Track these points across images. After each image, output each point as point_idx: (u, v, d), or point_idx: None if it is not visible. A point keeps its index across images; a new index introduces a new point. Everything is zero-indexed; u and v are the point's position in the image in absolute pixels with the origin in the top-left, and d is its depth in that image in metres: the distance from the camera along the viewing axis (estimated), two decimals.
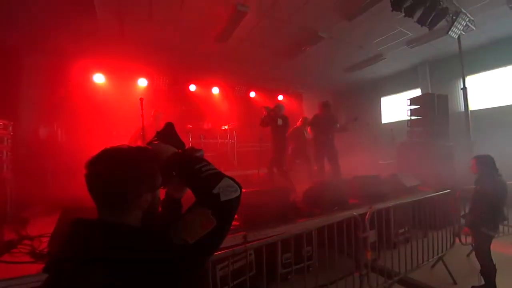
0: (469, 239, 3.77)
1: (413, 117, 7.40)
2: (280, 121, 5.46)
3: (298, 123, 6.76)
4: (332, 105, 6.01)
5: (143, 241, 0.84)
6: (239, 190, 0.98)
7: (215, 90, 9.30)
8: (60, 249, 0.85)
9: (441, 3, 5.32)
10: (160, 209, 1.13)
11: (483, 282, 3.05)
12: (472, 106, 7.42)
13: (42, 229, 2.83)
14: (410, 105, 7.45)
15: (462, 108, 7.03)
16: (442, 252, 3.59)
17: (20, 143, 4.95)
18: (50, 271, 0.82)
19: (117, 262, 0.77)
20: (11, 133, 3.91)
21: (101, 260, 0.77)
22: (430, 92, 8.33)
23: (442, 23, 5.61)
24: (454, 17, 5.65)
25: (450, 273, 3.44)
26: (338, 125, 5.96)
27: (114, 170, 0.91)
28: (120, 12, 5.27)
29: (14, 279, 1.96)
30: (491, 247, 3.09)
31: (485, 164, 3.21)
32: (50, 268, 0.82)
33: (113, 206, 0.92)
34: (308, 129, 6.04)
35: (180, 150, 1.13)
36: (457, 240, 3.82)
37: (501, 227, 3.53)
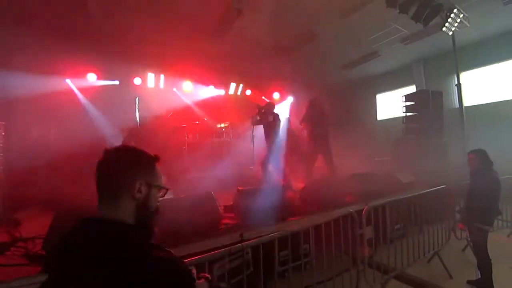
0: (464, 234, 3.81)
1: (408, 114, 7.45)
2: (271, 118, 5.48)
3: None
4: (319, 100, 5.99)
5: (134, 239, 0.87)
6: None
7: (211, 88, 9.26)
8: (59, 247, 0.87)
9: None
10: None
11: (479, 276, 3.08)
12: (466, 102, 7.49)
13: (36, 230, 2.79)
14: (405, 101, 7.49)
15: (457, 104, 7.09)
16: (438, 247, 3.62)
17: (12, 143, 4.87)
18: (50, 269, 0.85)
19: (113, 258, 0.79)
20: (3, 133, 3.85)
21: (99, 257, 0.79)
22: (425, 88, 8.39)
23: (437, 19, 5.64)
24: (448, 14, 5.69)
25: (446, 268, 3.47)
26: (329, 120, 5.94)
27: (111, 158, 0.99)
28: (113, 10, 5.20)
29: (9, 282, 1.93)
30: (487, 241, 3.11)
31: (480, 159, 3.22)
32: (50, 267, 0.86)
33: (107, 194, 0.94)
34: (302, 126, 6.04)
35: None
36: (452, 235, 3.86)
37: (495, 222, 3.57)
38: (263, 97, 10.07)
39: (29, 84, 6.25)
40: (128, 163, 0.98)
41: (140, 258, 0.82)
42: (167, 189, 1.05)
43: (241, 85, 9.77)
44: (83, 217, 0.90)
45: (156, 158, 1.05)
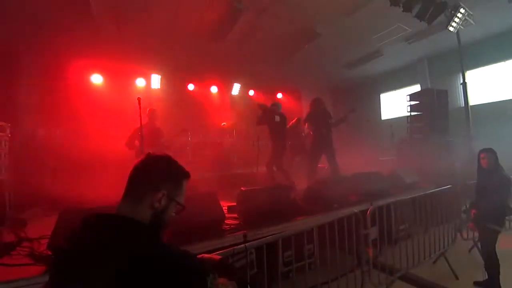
0: (471, 234, 3.76)
1: (412, 113, 7.38)
2: (277, 118, 5.44)
3: (291, 123, 6.67)
4: (323, 100, 5.93)
5: (150, 237, 0.91)
6: None
7: (214, 89, 9.28)
8: (70, 242, 0.88)
9: None
10: None
11: (486, 277, 3.04)
12: (471, 101, 7.40)
13: (41, 231, 2.81)
14: (409, 101, 7.43)
15: (462, 103, 7.02)
16: (443, 247, 3.58)
17: (18, 144, 4.93)
18: (58, 262, 0.87)
19: (124, 253, 0.80)
20: (9, 135, 3.88)
21: (109, 251, 0.80)
22: (429, 87, 8.31)
23: (441, 17, 5.58)
24: (452, 12, 5.63)
25: (452, 269, 3.43)
26: (332, 120, 5.87)
27: (146, 163, 1.05)
28: (116, 11, 5.24)
29: (14, 281, 1.95)
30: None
31: (493, 157, 3.18)
32: (58, 259, 0.88)
33: (131, 195, 0.99)
34: (305, 126, 6.00)
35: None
36: (458, 235, 3.81)
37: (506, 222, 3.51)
38: (266, 98, 10.06)
39: (35, 85, 6.32)
40: (158, 172, 1.03)
41: (158, 254, 0.85)
42: (183, 208, 1.08)
43: (244, 86, 9.77)
44: (98, 213, 0.92)
45: (187, 174, 1.10)
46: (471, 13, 5.87)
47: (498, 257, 2.99)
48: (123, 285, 0.77)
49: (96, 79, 7.31)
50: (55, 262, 0.91)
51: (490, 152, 3.19)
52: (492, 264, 2.98)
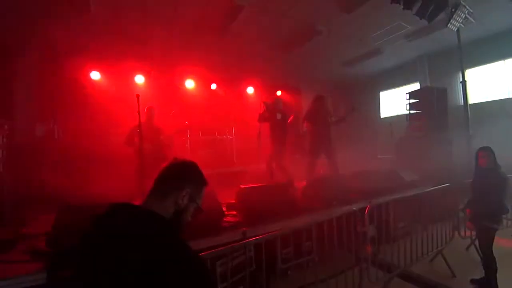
0: (468, 233, 3.78)
1: (412, 111, 7.39)
2: (279, 116, 5.44)
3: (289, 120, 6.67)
4: (325, 98, 5.91)
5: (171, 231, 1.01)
6: None
7: (213, 86, 9.25)
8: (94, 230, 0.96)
9: None
10: None
11: (483, 275, 3.06)
12: (471, 100, 7.40)
13: (40, 228, 2.82)
14: (409, 99, 7.43)
15: (462, 102, 7.01)
16: (441, 245, 3.60)
17: (16, 141, 4.90)
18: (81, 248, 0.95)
19: (147, 244, 0.86)
20: (7, 132, 3.87)
21: (133, 240, 0.86)
22: (429, 85, 8.30)
23: (441, 15, 5.56)
24: (453, 10, 5.60)
25: (449, 266, 3.46)
26: (332, 118, 5.85)
27: (176, 163, 1.19)
28: (114, 6, 5.20)
29: (13, 278, 1.95)
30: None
31: (492, 156, 3.19)
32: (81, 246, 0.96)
33: (158, 190, 1.11)
34: (305, 124, 5.99)
35: None
36: (456, 233, 3.84)
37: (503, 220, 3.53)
38: (266, 95, 10.03)
39: (33, 82, 6.28)
40: (185, 172, 1.18)
41: (178, 250, 0.92)
42: (201, 211, 1.21)
43: (243, 83, 9.75)
44: (126, 203, 1.00)
45: (206, 182, 1.24)
46: (471, 11, 5.84)
47: (495, 255, 3.01)
48: (142, 274, 0.81)
49: (94, 75, 7.27)
50: (81, 245, 0.96)
51: (489, 151, 3.20)
52: (489, 262, 3.01)
